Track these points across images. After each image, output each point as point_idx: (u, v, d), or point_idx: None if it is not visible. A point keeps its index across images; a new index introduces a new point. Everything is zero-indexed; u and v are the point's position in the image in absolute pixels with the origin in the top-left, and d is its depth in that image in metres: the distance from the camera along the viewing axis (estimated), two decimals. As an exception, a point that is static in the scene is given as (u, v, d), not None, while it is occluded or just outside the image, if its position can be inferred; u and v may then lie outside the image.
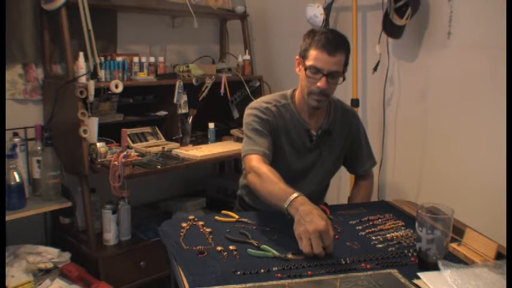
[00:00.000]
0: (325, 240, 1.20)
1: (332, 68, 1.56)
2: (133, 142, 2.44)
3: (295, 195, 1.30)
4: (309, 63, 1.59)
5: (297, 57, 1.67)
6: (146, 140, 2.50)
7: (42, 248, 2.10)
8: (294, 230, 1.24)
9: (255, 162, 1.54)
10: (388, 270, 1.13)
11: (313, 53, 1.57)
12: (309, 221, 1.21)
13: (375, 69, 2.41)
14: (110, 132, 2.28)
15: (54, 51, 2.33)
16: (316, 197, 1.82)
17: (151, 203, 2.81)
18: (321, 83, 1.57)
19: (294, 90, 1.75)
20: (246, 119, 1.69)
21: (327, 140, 1.75)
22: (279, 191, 1.36)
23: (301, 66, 1.64)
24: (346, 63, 1.63)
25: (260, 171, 1.48)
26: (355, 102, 2.43)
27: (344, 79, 1.62)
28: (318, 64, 1.56)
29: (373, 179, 1.93)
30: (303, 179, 1.75)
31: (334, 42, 1.56)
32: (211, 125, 2.64)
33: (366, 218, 1.48)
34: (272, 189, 1.40)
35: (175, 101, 2.49)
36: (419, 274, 1.10)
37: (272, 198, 1.39)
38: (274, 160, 1.67)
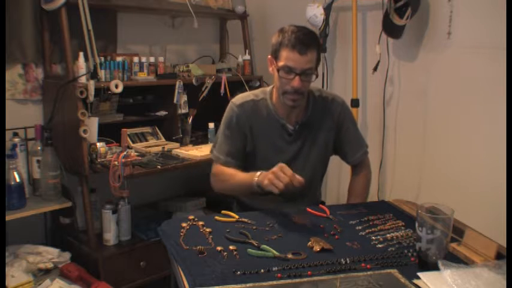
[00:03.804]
0: (286, 172, 1.40)
1: (305, 67, 1.57)
2: (134, 142, 2.44)
3: (258, 172, 1.51)
4: (281, 63, 1.59)
5: (269, 56, 1.66)
6: (146, 140, 2.50)
7: (42, 248, 2.10)
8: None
9: (215, 170, 1.74)
10: (388, 270, 1.13)
11: (284, 53, 1.57)
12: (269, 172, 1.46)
13: (375, 69, 2.41)
14: (110, 132, 2.28)
15: (54, 51, 2.32)
16: (309, 194, 1.80)
17: (151, 203, 2.80)
18: (295, 83, 1.57)
19: (274, 86, 1.73)
20: (224, 115, 1.78)
21: (308, 133, 1.73)
22: (244, 177, 1.59)
23: (273, 66, 1.63)
24: (318, 59, 1.63)
25: (220, 175, 1.71)
26: (355, 102, 2.43)
27: (317, 76, 1.63)
28: (291, 64, 1.56)
29: (369, 169, 1.88)
30: None
31: (305, 40, 1.56)
32: (211, 125, 2.64)
33: (366, 218, 1.48)
34: (237, 180, 1.63)
35: (175, 101, 2.49)
36: (419, 274, 1.10)
37: (241, 186, 1.61)
38: (255, 157, 1.72)
